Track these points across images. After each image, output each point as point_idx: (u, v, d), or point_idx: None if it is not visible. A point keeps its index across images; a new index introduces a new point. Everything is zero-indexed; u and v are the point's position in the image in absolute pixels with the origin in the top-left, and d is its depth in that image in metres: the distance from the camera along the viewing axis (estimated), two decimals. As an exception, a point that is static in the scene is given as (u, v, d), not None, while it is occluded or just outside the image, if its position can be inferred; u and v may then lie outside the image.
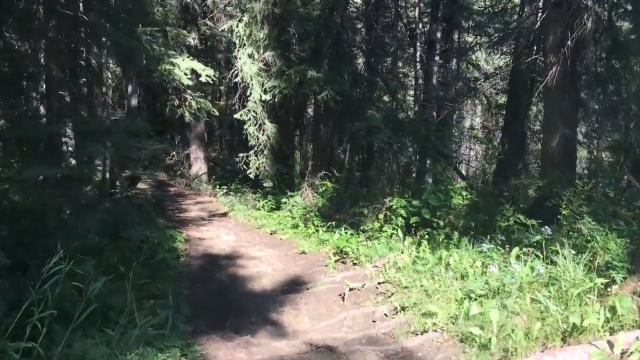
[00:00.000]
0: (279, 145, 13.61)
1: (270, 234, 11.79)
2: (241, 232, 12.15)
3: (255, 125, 13.26)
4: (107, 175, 14.65)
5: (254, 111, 13.03)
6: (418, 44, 21.37)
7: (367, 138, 15.93)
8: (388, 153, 16.69)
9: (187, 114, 9.49)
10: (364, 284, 7.26)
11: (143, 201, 15.27)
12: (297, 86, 12.71)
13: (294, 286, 8.08)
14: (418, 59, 21.78)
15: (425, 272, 6.97)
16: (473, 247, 7.45)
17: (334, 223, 10.51)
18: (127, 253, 8.21)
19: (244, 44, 12.89)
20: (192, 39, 19.11)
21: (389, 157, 15.73)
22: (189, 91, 9.68)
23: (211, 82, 9.16)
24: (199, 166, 19.48)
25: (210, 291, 7.80)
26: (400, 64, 23.73)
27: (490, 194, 10.00)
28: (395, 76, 17.74)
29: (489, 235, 7.81)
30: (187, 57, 8.78)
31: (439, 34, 18.74)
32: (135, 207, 14.13)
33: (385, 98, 18.09)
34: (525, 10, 12.68)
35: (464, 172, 18.21)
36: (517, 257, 6.53)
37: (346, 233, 9.91)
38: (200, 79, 8.85)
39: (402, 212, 9.27)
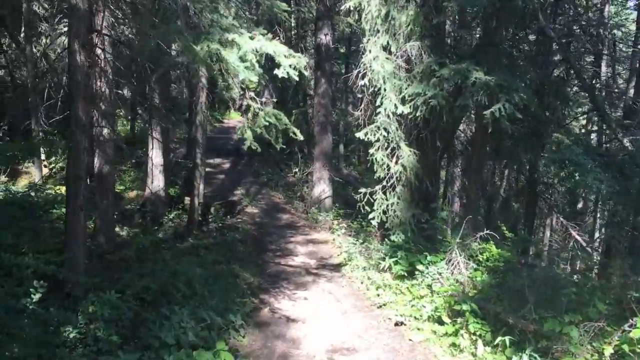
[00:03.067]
0: (418, 180, 8.96)
1: (395, 325, 7.19)
2: (352, 313, 7.70)
3: (385, 149, 8.77)
4: (197, 200, 11.05)
5: (384, 129, 8.54)
6: (605, 49, 15.73)
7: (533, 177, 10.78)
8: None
9: (248, 134, 5.38)
10: None
11: (240, 235, 11.49)
12: (454, 94, 7.98)
13: None
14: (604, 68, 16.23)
15: None
16: None
17: (507, 339, 5.65)
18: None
19: (377, 31, 8.46)
20: (324, 35, 15.15)
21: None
22: (251, 94, 5.48)
23: (297, 78, 4.83)
24: (322, 188, 15.39)
25: None
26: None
27: None
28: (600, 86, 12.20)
29: None
30: (262, 34, 4.62)
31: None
32: (223, 245, 10.37)
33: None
34: None
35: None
36: None
37: (532, 370, 5.08)
38: (277, 72, 4.66)
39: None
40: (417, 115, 8.20)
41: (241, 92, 5.23)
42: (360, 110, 9.03)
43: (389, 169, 8.81)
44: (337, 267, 10.09)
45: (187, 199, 12.13)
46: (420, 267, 8.06)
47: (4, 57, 18.10)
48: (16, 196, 10.46)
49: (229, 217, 12.53)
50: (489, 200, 16.69)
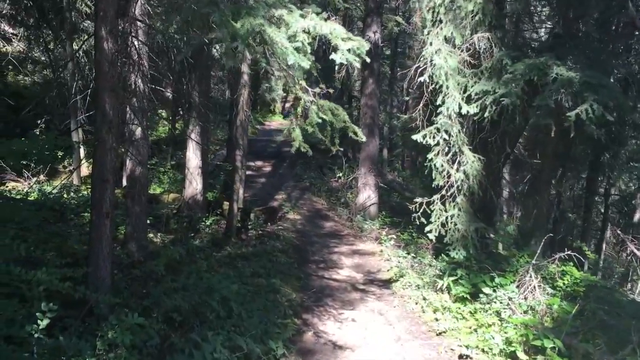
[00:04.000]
0: (482, 189, 7.90)
1: (460, 358, 6.16)
2: (407, 341, 6.71)
3: (445, 154, 7.75)
4: (236, 205, 10.27)
5: (445, 131, 7.52)
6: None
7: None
8: None
9: (296, 133, 4.49)
10: None
11: (280, 244, 10.64)
12: (528, 93, 6.92)
13: None
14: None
15: None
16: None
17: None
18: None
19: (439, 21, 7.46)
20: (373, 33, 14.25)
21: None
22: (302, 83, 4.53)
23: (358, 65, 3.91)
24: (367, 194, 14.44)
25: None
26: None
27: None
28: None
29: None
30: (316, 12, 3.74)
31: None
32: (263, 254, 9.55)
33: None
34: None
35: None
36: None
37: None
38: (334, 57, 3.75)
39: None
40: (485, 116, 7.17)
41: (290, 85, 4.30)
42: (418, 111, 8.03)
43: (449, 177, 7.79)
44: (386, 283, 9.12)
45: (225, 204, 11.38)
46: (485, 289, 7.01)
47: (47, 56, 17.91)
48: (48, 198, 9.94)
49: (269, 224, 11.70)
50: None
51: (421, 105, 7.90)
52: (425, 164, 7.86)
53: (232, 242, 9.98)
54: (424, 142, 7.63)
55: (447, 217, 7.85)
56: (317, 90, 4.42)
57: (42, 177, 13.71)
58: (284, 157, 20.53)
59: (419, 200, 8.04)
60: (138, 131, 7.53)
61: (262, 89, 32.12)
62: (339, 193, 16.25)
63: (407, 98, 23.19)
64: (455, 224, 7.78)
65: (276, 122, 31.82)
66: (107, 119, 5.69)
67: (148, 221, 9.21)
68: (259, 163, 19.12)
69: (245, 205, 12.18)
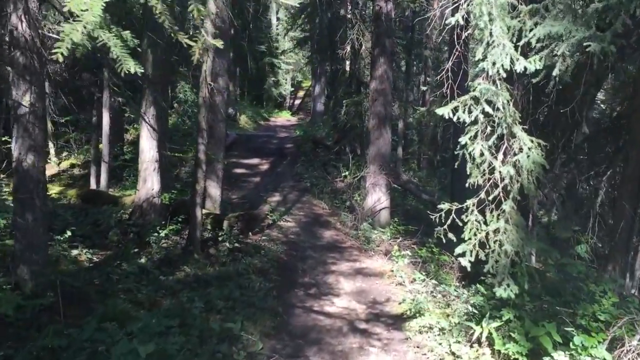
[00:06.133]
0: (540, 191, 5.13)
1: None
2: None
3: (485, 138, 5.01)
4: (200, 210, 7.63)
5: (487, 102, 4.79)
6: None
7: None
8: None
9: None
10: None
11: (260, 261, 8.00)
12: (628, 35, 4.18)
13: None
14: None
15: None
16: None
17: None
18: None
19: None
20: (385, 2, 11.66)
21: None
22: None
23: None
24: (377, 197, 11.74)
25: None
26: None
27: None
28: None
29: None
30: None
31: None
32: (233, 277, 6.92)
33: None
34: None
35: None
36: None
37: None
38: None
39: None
40: (554, 74, 4.43)
41: None
42: (445, 73, 5.29)
43: (491, 172, 5.05)
44: (397, 321, 6.41)
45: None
46: (557, 355, 4.24)
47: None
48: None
49: (249, 234, 9.04)
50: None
51: (450, 63, 5.14)
52: (457, 152, 5.13)
53: (194, 260, 7.36)
54: (455, 119, 4.91)
55: (487, 233, 5.11)
56: None
57: (1, 175, 11.38)
58: (285, 154, 17.90)
59: (445, 206, 5.29)
60: (25, 104, 4.93)
61: (269, 83, 29.70)
62: (344, 195, 13.53)
63: (424, 88, 20.43)
64: (501, 244, 5.03)
65: (283, 118, 29.26)
66: None
67: (69, 233, 6.65)
68: (255, 160, 16.50)
69: (223, 210, 9.58)
